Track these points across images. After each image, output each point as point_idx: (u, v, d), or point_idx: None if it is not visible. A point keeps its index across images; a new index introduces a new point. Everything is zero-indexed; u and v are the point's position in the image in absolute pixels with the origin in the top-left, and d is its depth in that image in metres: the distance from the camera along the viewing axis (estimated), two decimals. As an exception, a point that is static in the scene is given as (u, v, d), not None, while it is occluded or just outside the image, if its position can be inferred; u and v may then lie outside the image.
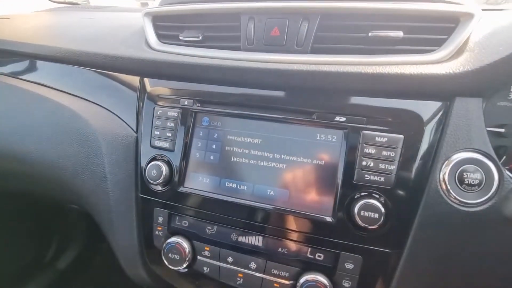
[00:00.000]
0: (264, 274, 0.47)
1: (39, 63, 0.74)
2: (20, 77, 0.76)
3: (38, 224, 1.41)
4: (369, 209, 0.41)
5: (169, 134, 0.53)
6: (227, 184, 0.50)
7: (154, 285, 0.61)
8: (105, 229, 0.59)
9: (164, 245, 0.52)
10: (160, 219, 0.53)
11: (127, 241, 0.56)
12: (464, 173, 0.39)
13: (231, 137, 0.50)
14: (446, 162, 0.41)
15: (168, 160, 0.52)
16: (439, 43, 0.42)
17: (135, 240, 0.56)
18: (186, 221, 0.52)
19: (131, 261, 0.57)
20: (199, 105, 0.52)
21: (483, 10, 0.42)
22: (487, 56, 0.40)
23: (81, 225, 1.51)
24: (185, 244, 0.51)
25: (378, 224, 0.41)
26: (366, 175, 0.42)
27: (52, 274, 1.44)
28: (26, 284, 1.35)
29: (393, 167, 0.42)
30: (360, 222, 0.41)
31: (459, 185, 0.40)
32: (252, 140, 0.49)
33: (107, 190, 0.57)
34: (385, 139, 0.42)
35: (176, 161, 0.52)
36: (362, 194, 0.42)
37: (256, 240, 0.48)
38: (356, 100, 0.45)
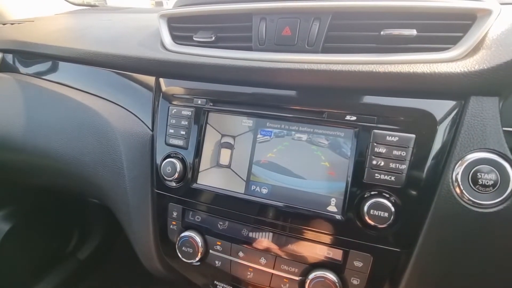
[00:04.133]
0: (273, 269, 0.48)
1: (61, 64, 0.78)
2: (44, 77, 0.80)
3: (61, 218, 1.49)
4: (379, 208, 0.41)
5: (183, 132, 0.55)
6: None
7: (169, 276, 0.64)
8: (123, 223, 0.62)
9: (178, 239, 0.54)
10: (175, 214, 0.55)
11: (144, 234, 0.59)
12: (478, 174, 0.39)
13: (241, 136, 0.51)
14: (460, 162, 0.40)
15: (182, 157, 0.54)
16: (454, 41, 0.41)
17: (151, 234, 0.58)
18: (199, 216, 0.54)
19: (147, 254, 0.60)
20: (211, 104, 0.54)
21: (501, 4, 0.41)
22: (504, 53, 0.39)
23: (100, 218, 1.58)
24: (198, 239, 0.53)
25: (388, 223, 0.41)
26: (376, 174, 0.42)
27: (73, 264, 1.52)
28: (49, 273, 1.43)
29: (404, 166, 0.41)
30: (369, 221, 0.41)
31: (472, 185, 0.39)
32: (263, 138, 0.50)
33: (124, 185, 0.60)
34: (396, 138, 0.42)
35: (189, 159, 0.54)
36: (372, 193, 0.42)
37: (266, 236, 0.49)
38: (367, 99, 0.45)
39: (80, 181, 0.71)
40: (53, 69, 0.81)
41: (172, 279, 0.66)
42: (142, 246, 0.60)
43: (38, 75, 0.81)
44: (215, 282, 0.54)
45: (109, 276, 1.57)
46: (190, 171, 0.54)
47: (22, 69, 0.84)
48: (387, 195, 0.42)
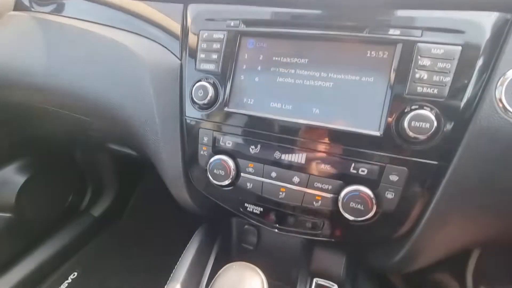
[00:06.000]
0: (306, 188, 0.49)
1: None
2: (62, 14, 0.78)
3: (74, 173, 1.51)
4: (420, 119, 0.41)
5: (215, 56, 0.54)
6: (272, 104, 0.51)
7: (196, 209, 0.65)
8: (152, 154, 0.63)
9: (209, 162, 0.55)
10: (205, 139, 0.56)
11: (173, 163, 0.60)
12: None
13: (276, 58, 0.51)
14: (504, 77, 0.40)
15: (213, 82, 0.54)
16: None
17: (180, 162, 0.59)
18: (230, 141, 0.54)
19: (176, 181, 0.61)
20: (244, 26, 0.52)
21: None
22: None
23: (113, 176, 1.60)
24: (230, 162, 0.53)
25: (428, 134, 0.41)
26: (418, 87, 0.42)
27: (88, 220, 1.56)
28: (64, 228, 1.47)
29: (448, 79, 0.41)
30: (410, 133, 0.41)
31: (516, 99, 0.39)
32: (299, 60, 0.49)
33: (153, 114, 0.60)
34: (442, 50, 0.41)
35: (222, 83, 0.53)
36: (413, 107, 0.42)
37: (300, 156, 0.49)
38: (411, 13, 0.44)
39: (105, 119, 0.71)
40: (72, 6, 0.79)
41: (199, 213, 0.68)
42: (170, 174, 0.61)
43: (56, 12, 0.79)
44: (245, 204, 0.56)
45: (123, 233, 1.61)
46: (222, 95, 0.53)
47: (39, 8, 0.82)
48: (429, 108, 0.42)
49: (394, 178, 0.45)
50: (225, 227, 0.75)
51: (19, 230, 1.27)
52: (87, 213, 1.58)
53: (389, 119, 0.44)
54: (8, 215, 1.21)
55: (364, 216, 0.46)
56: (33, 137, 1.23)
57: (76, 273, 1.39)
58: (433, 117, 0.41)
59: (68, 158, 1.48)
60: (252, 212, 0.55)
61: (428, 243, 0.48)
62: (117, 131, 0.74)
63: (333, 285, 0.62)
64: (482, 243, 0.53)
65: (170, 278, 0.59)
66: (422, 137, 0.41)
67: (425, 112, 0.41)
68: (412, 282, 1.16)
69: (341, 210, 0.46)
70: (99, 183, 1.60)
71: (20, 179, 1.24)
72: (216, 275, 0.37)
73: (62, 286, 1.33)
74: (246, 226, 0.76)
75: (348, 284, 0.62)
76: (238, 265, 0.37)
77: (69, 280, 1.36)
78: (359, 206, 0.45)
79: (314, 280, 0.63)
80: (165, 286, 0.57)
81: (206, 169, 0.55)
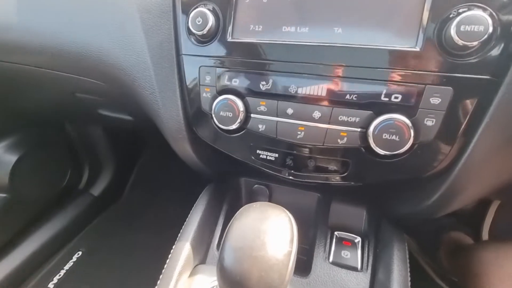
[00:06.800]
0: (329, 124, 0.43)
1: None
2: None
3: (69, 152, 1.44)
4: (472, 22, 0.33)
5: None
6: (285, 28, 0.43)
7: (199, 164, 0.59)
8: (149, 106, 0.55)
9: (214, 105, 0.47)
10: (208, 79, 0.48)
11: (172, 111, 0.52)
12: None
13: (288, -28, 0.42)
14: None
15: (213, 7, 0.45)
16: None
17: (180, 110, 0.52)
18: (237, 78, 0.46)
19: (177, 134, 0.54)
20: None
21: None
22: None
23: (110, 153, 1.54)
24: (238, 102, 0.46)
25: (481, 40, 0.34)
26: (467, -16, 0.34)
27: (88, 199, 1.52)
28: (65, 208, 1.42)
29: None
30: (458, 41, 0.34)
31: None
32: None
33: (145, 57, 0.52)
34: None
35: (223, 8, 0.45)
36: (462, 10, 0.35)
37: (320, 87, 0.42)
38: None
39: (93, 72, 0.63)
40: None
41: (205, 171, 0.62)
42: (171, 128, 0.54)
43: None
44: (257, 151, 0.49)
45: (124, 211, 1.57)
46: (225, 22, 0.45)
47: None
48: (481, 8, 0.34)
49: (435, 101, 0.38)
50: (233, 188, 0.70)
51: (16, 210, 1.21)
52: (86, 193, 1.53)
53: (430, 28, 0.36)
54: (3, 195, 1.16)
55: (399, 149, 0.39)
56: (21, 112, 1.15)
57: (81, 252, 1.35)
58: (487, 18, 0.33)
59: (62, 135, 1.41)
60: (265, 160, 0.49)
61: (470, 180, 0.41)
62: (107, 88, 0.66)
63: (355, 237, 0.57)
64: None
65: (178, 237, 0.53)
66: (473, 44, 0.34)
67: (477, 12, 0.33)
68: (427, 240, 1.13)
69: (371, 144, 0.40)
70: (96, 161, 1.54)
71: (12, 158, 1.17)
72: (234, 216, 0.30)
73: (67, 265, 1.30)
74: (255, 186, 0.70)
75: (372, 236, 0.57)
76: (259, 204, 0.31)
77: (74, 259, 1.33)
78: (393, 137, 0.39)
79: (335, 233, 0.59)
80: (174, 246, 0.52)
81: (211, 114, 0.48)
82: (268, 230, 0.28)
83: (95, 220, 1.50)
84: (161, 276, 0.49)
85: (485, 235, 1.07)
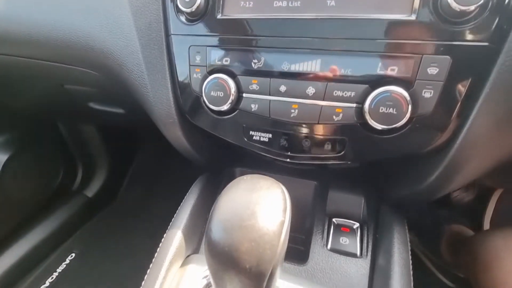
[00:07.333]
0: (323, 100, 0.41)
1: None
2: None
3: (62, 152, 1.42)
4: (469, -17, 0.32)
5: None
6: (276, 3, 0.42)
7: (192, 152, 0.57)
8: (138, 92, 0.53)
9: (204, 85, 0.46)
10: (198, 59, 0.46)
11: (161, 94, 0.50)
12: None
13: None
14: None
15: (201, -18, 0.44)
16: None
17: (170, 93, 0.50)
18: (228, 56, 0.45)
19: (168, 119, 0.52)
20: None
21: None
22: None
23: (103, 153, 1.51)
24: (230, 81, 0.44)
25: (479, 3, 0.32)
26: None
27: (82, 201, 1.48)
28: (58, 209, 1.39)
29: None
30: (455, 5, 0.33)
31: None
32: None
33: (134, 42, 0.50)
34: None
35: (211, -17, 0.44)
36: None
37: (314, 62, 0.41)
38: None
39: (81, 61, 0.61)
40: None
41: (198, 160, 0.60)
42: (162, 113, 0.52)
43: None
44: (250, 133, 0.47)
45: (118, 214, 1.54)
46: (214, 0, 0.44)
47: None
48: (478, -30, 0.33)
49: (433, 71, 0.36)
50: (227, 177, 0.67)
51: (7, 211, 1.18)
52: (80, 194, 1.49)
53: (426, -6, 0.35)
54: (-8, 195, 1.13)
55: (397, 122, 0.37)
56: (10, 109, 1.13)
57: (74, 254, 1.32)
58: (485, -21, 0.32)
59: (54, 135, 1.38)
60: (259, 141, 0.47)
61: (470, 155, 0.40)
62: (96, 77, 0.65)
63: (354, 224, 0.55)
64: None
65: (169, 226, 0.51)
66: (470, 8, 0.33)
67: (475, -26, 0.32)
68: (428, 234, 1.12)
69: (368, 119, 0.38)
70: (90, 162, 1.51)
71: (2, 157, 1.14)
72: (224, 189, 0.29)
73: (60, 267, 1.27)
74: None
75: (371, 221, 0.55)
76: (250, 176, 0.29)
77: (67, 261, 1.29)
78: (390, 110, 0.37)
79: (333, 220, 0.57)
80: (165, 234, 0.50)
81: (202, 95, 0.47)
82: (259, 200, 0.26)
83: (88, 221, 1.47)
84: (151, 265, 0.47)
85: (486, 226, 1.05)
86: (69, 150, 1.44)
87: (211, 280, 0.30)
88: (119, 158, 1.60)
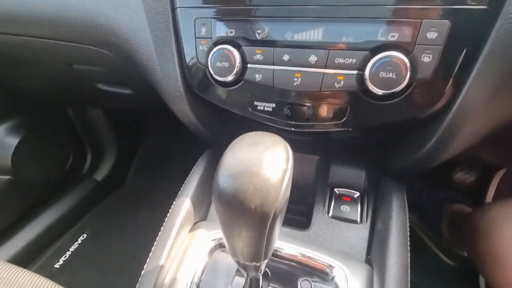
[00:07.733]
0: (325, 68, 0.42)
1: None
2: None
3: (71, 135, 1.45)
4: None
5: None
6: (279, -28, 0.43)
7: (197, 125, 0.59)
8: (145, 67, 0.55)
9: (210, 56, 0.47)
10: (203, 31, 0.48)
11: (169, 70, 0.52)
12: None
13: None
14: None
15: (206, -46, 0.45)
16: None
17: (176, 66, 0.52)
18: (232, 28, 0.46)
19: (174, 92, 0.54)
20: None
21: None
22: None
23: (112, 138, 1.55)
24: (235, 52, 0.46)
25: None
26: None
27: (91, 185, 1.53)
28: (68, 192, 1.44)
29: None
30: (454, -33, 0.33)
31: None
32: None
33: (140, 15, 0.52)
34: None
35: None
36: None
37: (316, 31, 0.42)
38: None
39: (89, 38, 0.63)
40: None
41: (204, 134, 0.62)
42: (169, 86, 0.53)
43: None
44: (254, 103, 0.49)
45: (127, 196, 1.59)
46: (219, -30, 0.45)
47: None
48: None
49: (432, 35, 0.37)
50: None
51: (21, 192, 1.23)
52: (90, 178, 1.54)
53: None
54: (6, 177, 1.17)
55: (396, 87, 0.39)
56: (20, 91, 1.16)
57: (85, 235, 1.37)
58: None
59: (63, 119, 1.41)
60: (263, 111, 0.49)
61: (468, 118, 0.41)
62: (104, 56, 0.66)
63: (355, 193, 0.57)
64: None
65: (178, 194, 0.54)
66: (470, -30, 0.34)
67: None
68: (429, 214, 1.13)
69: (368, 85, 0.40)
70: (98, 146, 1.55)
71: (14, 140, 1.18)
72: (229, 146, 0.31)
73: (72, 247, 1.32)
74: None
75: (371, 191, 0.57)
76: (254, 132, 0.31)
77: (79, 241, 1.35)
78: (390, 75, 0.38)
79: (335, 190, 0.59)
80: (174, 202, 0.53)
81: (207, 66, 0.48)
82: (264, 151, 0.28)
83: (98, 204, 1.52)
84: (160, 232, 0.50)
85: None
86: (79, 134, 1.48)
87: (221, 230, 0.32)
88: (126, 143, 1.64)
